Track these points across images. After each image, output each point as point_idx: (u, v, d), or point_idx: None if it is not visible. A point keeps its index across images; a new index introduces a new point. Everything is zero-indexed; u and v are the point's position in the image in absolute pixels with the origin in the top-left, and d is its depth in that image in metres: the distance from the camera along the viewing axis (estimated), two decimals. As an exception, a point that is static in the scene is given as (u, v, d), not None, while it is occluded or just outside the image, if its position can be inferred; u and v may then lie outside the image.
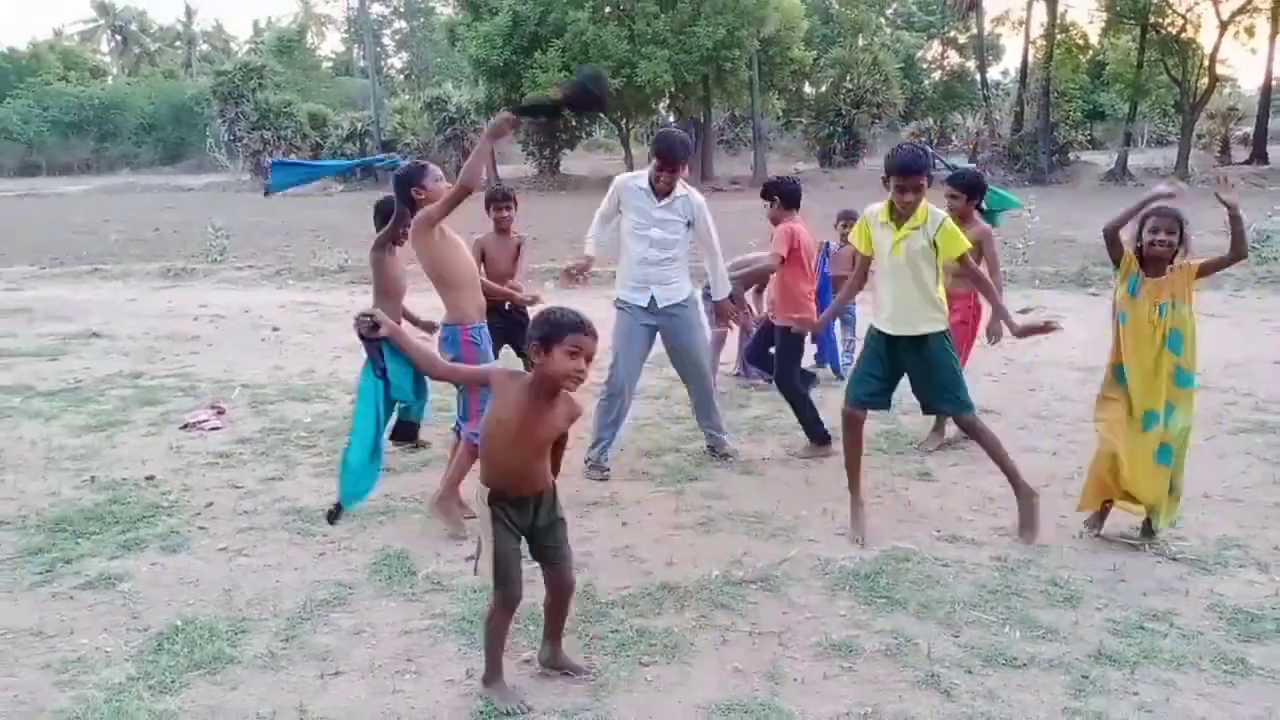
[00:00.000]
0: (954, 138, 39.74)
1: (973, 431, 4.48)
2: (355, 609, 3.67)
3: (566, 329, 2.80)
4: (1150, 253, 4.08)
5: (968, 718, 2.93)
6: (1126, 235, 4.23)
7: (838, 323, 7.13)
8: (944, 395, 4.43)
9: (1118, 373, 4.21)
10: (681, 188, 5.20)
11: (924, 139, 37.63)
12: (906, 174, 4.16)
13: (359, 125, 39.29)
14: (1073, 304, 10.51)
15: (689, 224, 5.22)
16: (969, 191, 5.45)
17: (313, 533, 4.42)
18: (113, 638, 3.46)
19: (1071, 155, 32.63)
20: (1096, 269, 12.10)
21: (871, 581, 3.84)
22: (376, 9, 67.42)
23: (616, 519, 4.59)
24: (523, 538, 3.02)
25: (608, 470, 5.18)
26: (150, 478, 5.18)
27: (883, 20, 50.48)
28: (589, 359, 2.85)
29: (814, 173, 36.07)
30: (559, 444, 3.04)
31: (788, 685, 3.13)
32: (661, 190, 5.13)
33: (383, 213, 5.10)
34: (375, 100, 39.27)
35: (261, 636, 3.46)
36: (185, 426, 6.12)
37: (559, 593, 3.13)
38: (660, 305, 5.24)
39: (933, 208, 4.32)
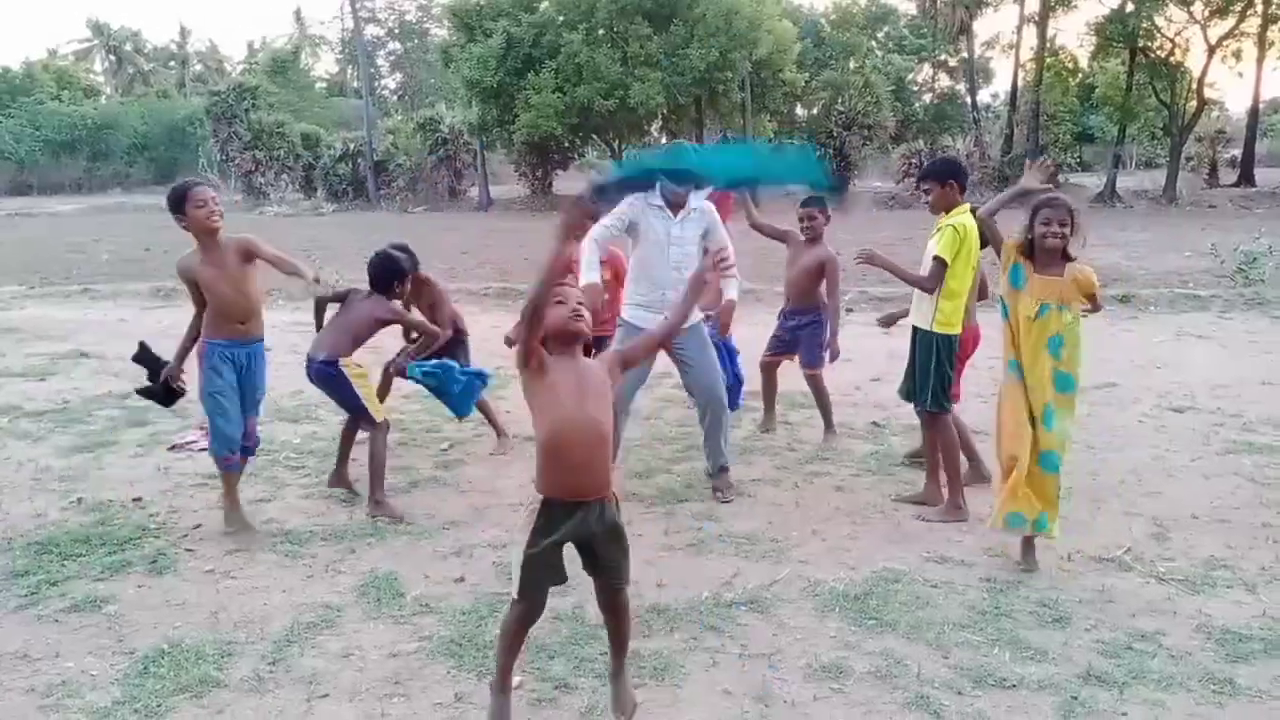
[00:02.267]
0: (945, 159, 39.89)
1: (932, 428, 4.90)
2: (343, 631, 3.66)
3: None
4: (1043, 245, 4.03)
5: (957, 740, 2.93)
6: (1005, 226, 4.29)
7: None
8: (914, 389, 4.92)
9: (1011, 365, 4.16)
10: (692, 199, 5.13)
11: (914, 161, 37.85)
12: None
13: (352, 145, 39.36)
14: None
15: (704, 234, 5.13)
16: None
17: (300, 555, 4.40)
18: (99, 661, 3.43)
19: (1061, 177, 32.83)
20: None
21: (861, 603, 3.84)
22: (371, 30, 67.76)
23: (606, 540, 4.58)
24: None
25: None
26: (138, 499, 5.15)
27: (874, 43, 50.90)
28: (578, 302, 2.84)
29: (804, 193, 36.20)
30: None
31: (778, 707, 3.12)
32: (677, 205, 5.08)
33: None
34: (368, 121, 39.40)
35: (248, 659, 3.44)
36: (174, 448, 6.10)
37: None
38: None
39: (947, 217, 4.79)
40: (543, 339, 2.79)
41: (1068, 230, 4.01)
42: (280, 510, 5.01)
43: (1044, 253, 4.04)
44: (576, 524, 2.79)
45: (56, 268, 17.33)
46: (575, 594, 3.91)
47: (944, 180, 5.15)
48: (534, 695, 3.18)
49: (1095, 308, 4.22)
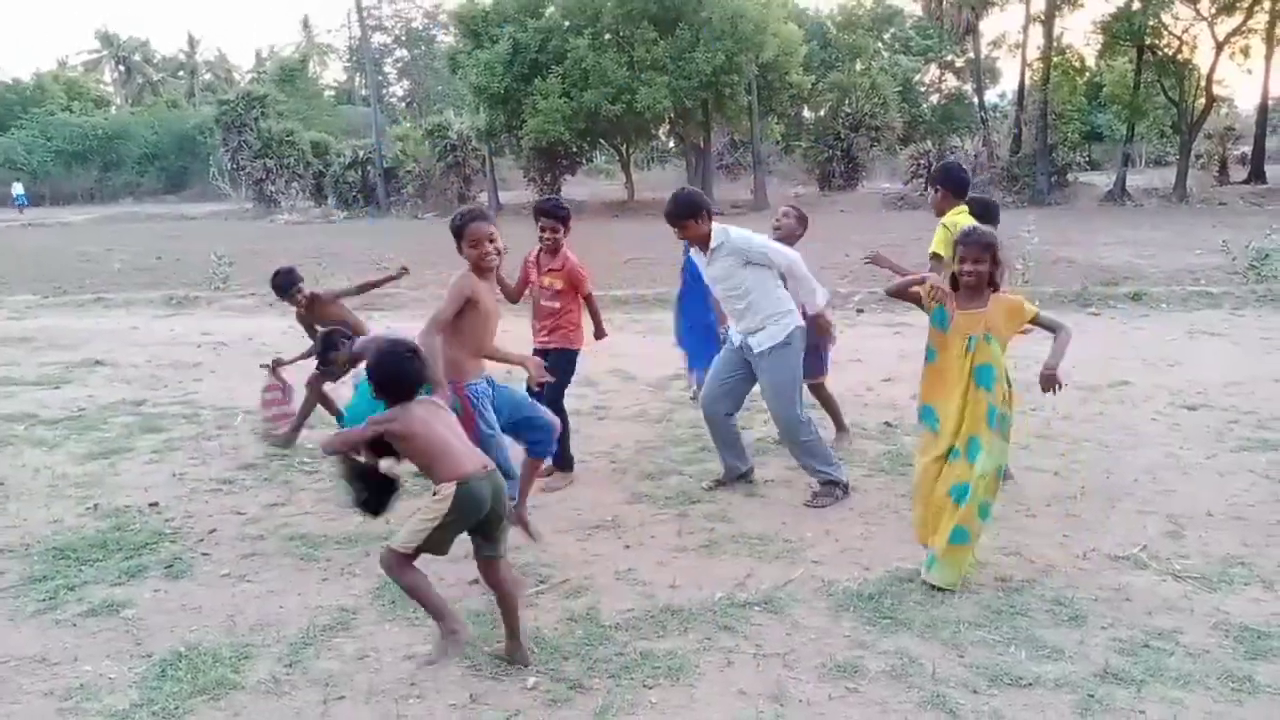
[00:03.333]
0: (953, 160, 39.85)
1: None
2: (358, 634, 3.67)
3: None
4: (963, 282, 3.92)
5: (974, 738, 2.92)
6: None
7: None
8: None
9: (924, 413, 4.06)
10: (717, 234, 5.02)
11: (922, 162, 37.82)
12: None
13: (361, 153, 39.54)
14: (1073, 324, 10.48)
15: (747, 263, 5.00)
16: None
17: (316, 558, 4.41)
18: (116, 664, 3.45)
19: (1070, 176, 32.75)
20: (1097, 289, 12.13)
21: (875, 602, 3.83)
22: (378, 38, 68.02)
23: (619, 541, 4.59)
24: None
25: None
26: (153, 504, 5.18)
27: (880, 45, 50.93)
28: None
29: (813, 196, 36.21)
30: None
31: (793, 707, 3.12)
32: (694, 243, 5.14)
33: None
34: (377, 128, 39.60)
35: (265, 662, 3.46)
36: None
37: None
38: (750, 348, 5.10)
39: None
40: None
41: (983, 267, 3.86)
42: (295, 514, 5.03)
43: (965, 289, 3.94)
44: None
45: (69, 277, 17.45)
46: (588, 595, 3.94)
47: (938, 185, 5.20)
48: (548, 696, 3.19)
49: (1057, 334, 4.10)
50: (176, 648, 3.55)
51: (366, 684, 3.29)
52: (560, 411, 5.23)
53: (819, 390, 6.11)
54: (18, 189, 46.89)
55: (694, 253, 5.29)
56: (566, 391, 5.50)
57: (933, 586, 3.93)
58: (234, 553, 4.51)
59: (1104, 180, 33.23)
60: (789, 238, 5.81)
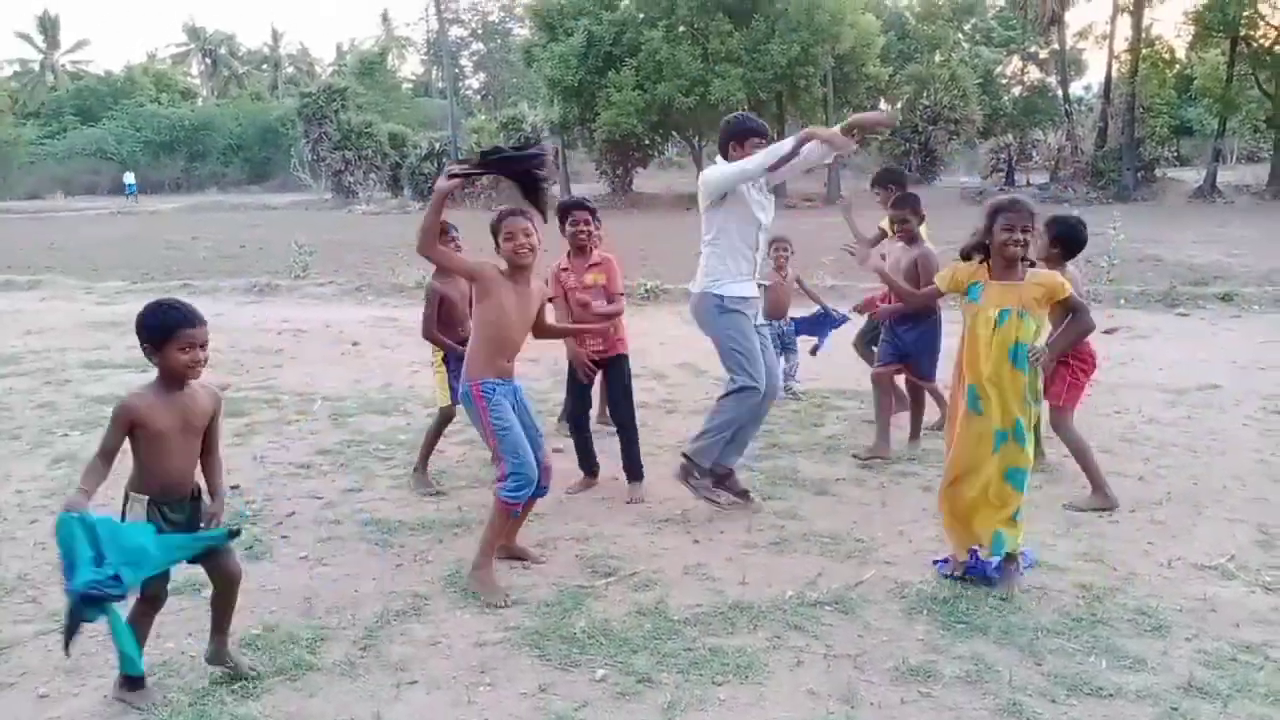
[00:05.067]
0: (1035, 154, 38.96)
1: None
2: (431, 620, 3.72)
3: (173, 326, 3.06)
4: (1003, 253, 3.79)
5: (1051, 748, 2.85)
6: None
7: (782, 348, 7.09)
8: None
9: (970, 394, 3.88)
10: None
11: (1003, 156, 36.99)
12: None
13: (437, 145, 40.04)
14: (1160, 324, 10.21)
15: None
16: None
17: (391, 544, 4.49)
18: (197, 642, 3.54)
19: (1158, 172, 31.80)
20: (1185, 289, 11.74)
21: (950, 606, 3.76)
22: (455, 31, 68.82)
23: (688, 536, 4.58)
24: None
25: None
26: (234, 487, 5.30)
27: (960, 36, 49.88)
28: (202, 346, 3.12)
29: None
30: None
31: (864, 709, 3.08)
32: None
33: None
34: (453, 120, 40.08)
35: (340, 644, 3.52)
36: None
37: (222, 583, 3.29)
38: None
39: None
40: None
41: (1029, 236, 3.81)
42: (370, 500, 5.12)
43: (1002, 260, 3.82)
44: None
45: (156, 264, 18.02)
46: (656, 589, 3.93)
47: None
48: (616, 689, 3.19)
49: (1074, 317, 4.06)
50: (255, 628, 3.64)
51: (438, 670, 3.34)
52: (630, 423, 5.21)
53: (919, 392, 6.05)
54: (129, 178, 48.70)
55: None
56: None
57: (1008, 566, 3.88)
58: (311, 536, 4.61)
59: (1193, 176, 32.18)
60: (914, 236, 5.79)
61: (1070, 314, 4.11)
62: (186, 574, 4.11)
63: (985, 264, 3.89)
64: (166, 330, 3.06)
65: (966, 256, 3.92)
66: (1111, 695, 3.12)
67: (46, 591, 3.96)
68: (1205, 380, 7.45)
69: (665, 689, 3.19)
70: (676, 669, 3.31)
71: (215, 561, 3.22)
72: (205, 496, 3.22)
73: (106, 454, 3.02)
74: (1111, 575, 4.04)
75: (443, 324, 5.18)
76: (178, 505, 3.14)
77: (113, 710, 3.13)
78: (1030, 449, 3.90)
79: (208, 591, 3.94)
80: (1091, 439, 5.98)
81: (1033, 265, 3.93)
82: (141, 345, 3.10)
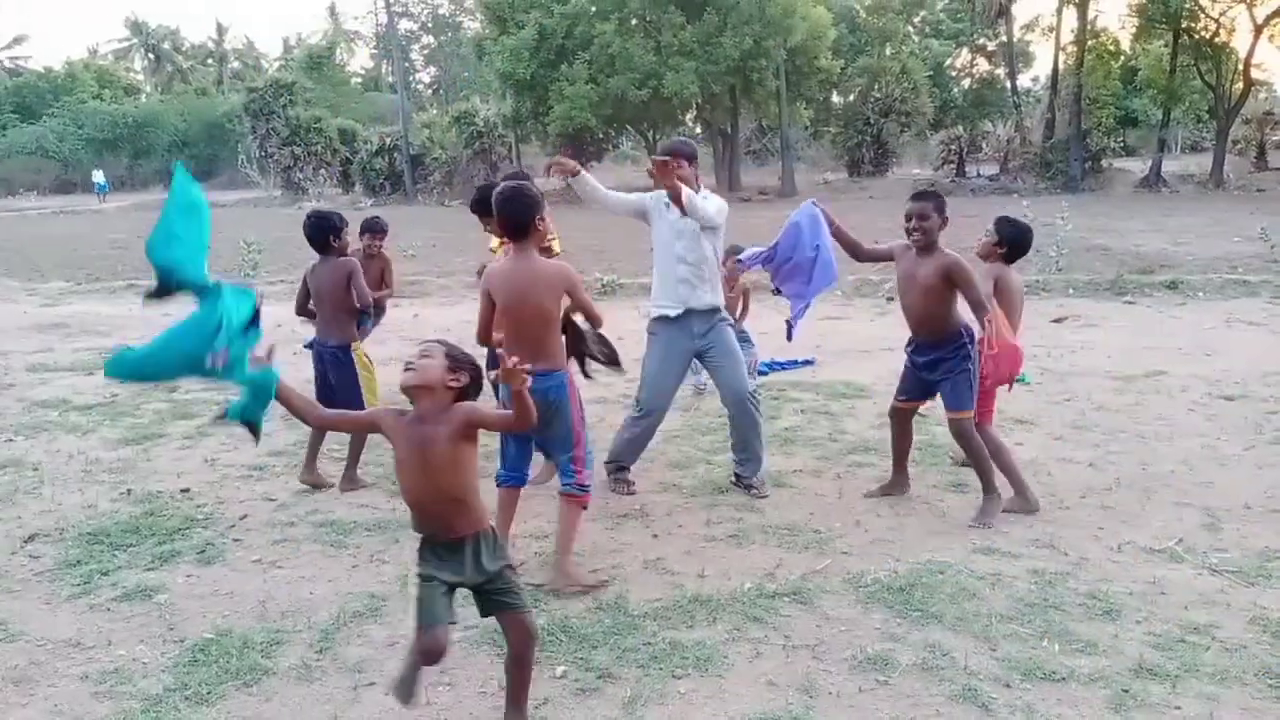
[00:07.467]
0: (984, 145, 39.50)
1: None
2: (388, 621, 3.68)
3: None
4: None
5: (1006, 733, 2.89)
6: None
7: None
8: None
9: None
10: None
11: (953, 147, 37.41)
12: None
13: (388, 140, 39.65)
14: (1108, 312, 10.39)
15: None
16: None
17: (346, 545, 4.44)
18: (150, 649, 3.49)
19: (1104, 162, 32.34)
20: (1132, 277, 11.97)
21: (906, 594, 3.80)
22: (405, 25, 68.19)
23: (647, 531, 4.58)
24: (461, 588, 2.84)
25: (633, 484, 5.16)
26: (185, 490, 5.23)
27: (910, 28, 50.35)
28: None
29: (842, 182, 35.98)
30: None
31: (823, 699, 3.10)
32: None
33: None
34: (404, 115, 39.65)
35: (296, 648, 3.48)
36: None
37: (517, 643, 2.89)
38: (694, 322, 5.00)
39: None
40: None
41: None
42: (325, 501, 5.06)
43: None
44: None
45: (101, 264, 17.63)
46: (616, 584, 3.93)
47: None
48: (577, 685, 3.19)
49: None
50: (209, 633, 3.58)
51: (396, 671, 3.30)
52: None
53: (962, 427, 4.70)
54: (98, 177, 47.24)
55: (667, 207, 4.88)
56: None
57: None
58: (265, 539, 4.54)
59: (1139, 166, 32.80)
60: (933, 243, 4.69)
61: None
62: (136, 580, 4.05)
63: None
64: None
65: None
66: (1064, 679, 3.17)
67: (-9, 601, 3.87)
68: (1153, 367, 7.60)
69: (626, 684, 3.19)
70: (636, 664, 3.31)
71: (504, 618, 2.88)
72: None
73: None
74: (1063, 560, 4.11)
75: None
76: None
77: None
78: None
79: (159, 597, 3.90)
80: (1042, 426, 6.11)
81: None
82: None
